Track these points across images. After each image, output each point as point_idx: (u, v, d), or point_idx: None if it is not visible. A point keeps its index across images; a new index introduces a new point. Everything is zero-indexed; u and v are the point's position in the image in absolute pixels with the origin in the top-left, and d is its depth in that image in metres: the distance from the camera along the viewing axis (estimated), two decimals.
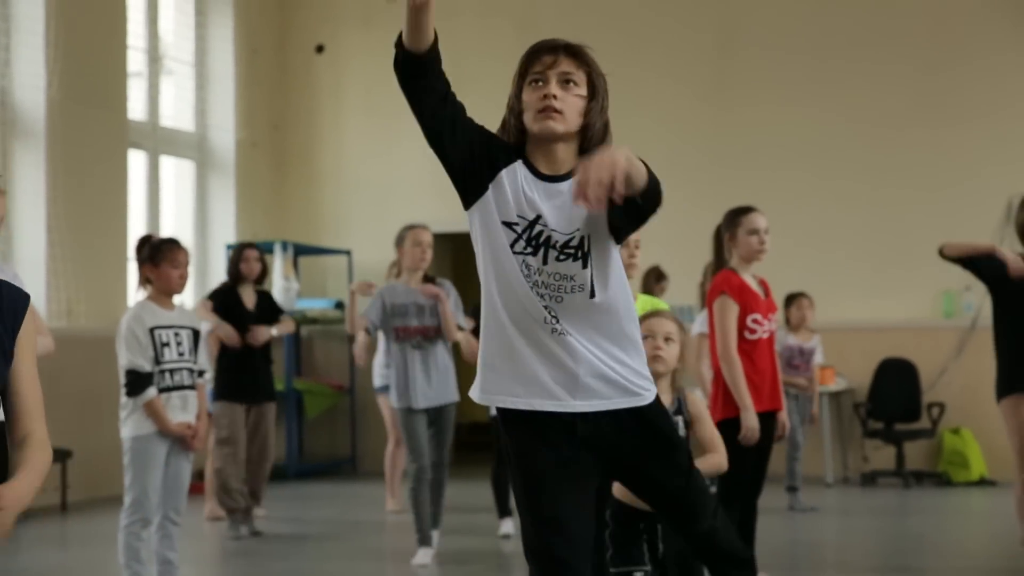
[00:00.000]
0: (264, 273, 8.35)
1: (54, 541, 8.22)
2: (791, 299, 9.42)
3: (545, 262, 3.05)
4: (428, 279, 6.90)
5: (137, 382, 5.47)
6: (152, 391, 5.47)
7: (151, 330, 5.52)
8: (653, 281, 10.29)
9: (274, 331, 8.20)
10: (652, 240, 11.03)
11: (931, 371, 10.96)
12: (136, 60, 11.17)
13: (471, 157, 3.10)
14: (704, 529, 3.30)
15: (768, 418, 5.57)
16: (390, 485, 9.01)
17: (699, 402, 4.20)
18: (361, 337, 7.13)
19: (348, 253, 12.22)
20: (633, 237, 4.86)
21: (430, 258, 6.90)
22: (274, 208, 12.61)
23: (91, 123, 10.17)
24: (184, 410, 5.60)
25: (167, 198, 11.68)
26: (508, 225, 3.07)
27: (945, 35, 11.26)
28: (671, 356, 4.09)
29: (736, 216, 5.70)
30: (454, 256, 13.31)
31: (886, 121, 11.28)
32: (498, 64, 12.37)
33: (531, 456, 3.08)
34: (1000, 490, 10.16)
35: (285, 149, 12.80)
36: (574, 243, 3.04)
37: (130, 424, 5.50)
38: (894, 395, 10.88)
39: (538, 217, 3.04)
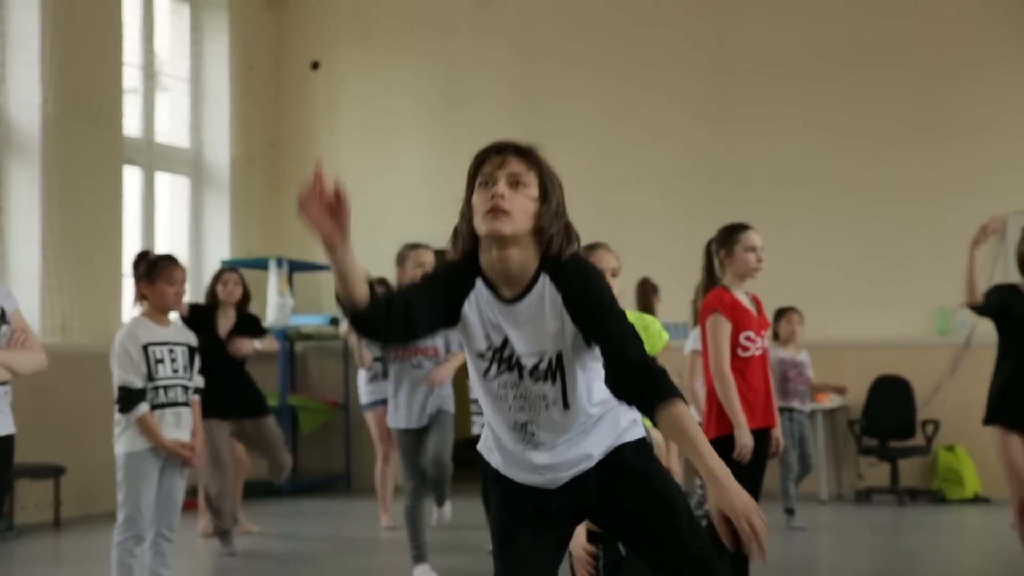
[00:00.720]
0: (246, 297, 8.22)
1: (47, 558, 8.20)
2: (781, 313, 9.46)
3: (521, 378, 3.05)
4: None
5: (129, 398, 5.47)
6: (144, 407, 5.46)
7: (145, 347, 5.52)
8: (648, 293, 10.25)
9: (257, 344, 8.12)
10: (646, 256, 11.06)
11: (925, 388, 10.96)
12: (132, 76, 11.19)
13: (445, 312, 3.07)
14: None
15: (762, 435, 5.57)
16: (382, 501, 9.00)
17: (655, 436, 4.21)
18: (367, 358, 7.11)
19: None
20: (611, 265, 4.87)
21: None
22: (269, 224, 12.61)
23: (86, 139, 10.17)
24: (178, 427, 5.59)
25: (162, 214, 11.69)
26: (480, 356, 3.07)
27: (941, 52, 11.29)
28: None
29: (732, 233, 5.69)
30: None
31: (881, 138, 11.31)
32: (494, 81, 12.47)
33: (508, 515, 3.16)
34: (994, 507, 10.16)
35: (280, 165, 12.81)
36: (543, 365, 3.02)
37: (123, 440, 5.50)
38: (888, 412, 10.89)
39: (506, 341, 3.03)
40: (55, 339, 9.60)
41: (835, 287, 11.18)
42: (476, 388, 3.14)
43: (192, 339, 5.81)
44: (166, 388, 5.56)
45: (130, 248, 10.88)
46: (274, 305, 11.46)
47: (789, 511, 8.97)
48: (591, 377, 3.07)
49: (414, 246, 6.97)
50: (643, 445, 3.17)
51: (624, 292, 9.11)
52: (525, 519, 3.12)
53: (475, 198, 3.03)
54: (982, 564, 7.51)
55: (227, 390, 7.78)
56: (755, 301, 5.74)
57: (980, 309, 6.14)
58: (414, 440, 6.73)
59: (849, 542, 8.52)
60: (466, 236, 3.06)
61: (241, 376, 8.04)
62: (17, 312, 4.48)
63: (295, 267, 12.00)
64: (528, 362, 3.01)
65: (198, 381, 5.79)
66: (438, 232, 12.78)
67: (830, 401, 10.70)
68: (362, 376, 9.11)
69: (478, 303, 3.04)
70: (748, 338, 5.55)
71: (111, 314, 10.31)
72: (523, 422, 3.07)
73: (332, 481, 12.00)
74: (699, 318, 5.81)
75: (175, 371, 5.61)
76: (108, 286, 10.36)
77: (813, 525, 9.11)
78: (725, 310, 5.53)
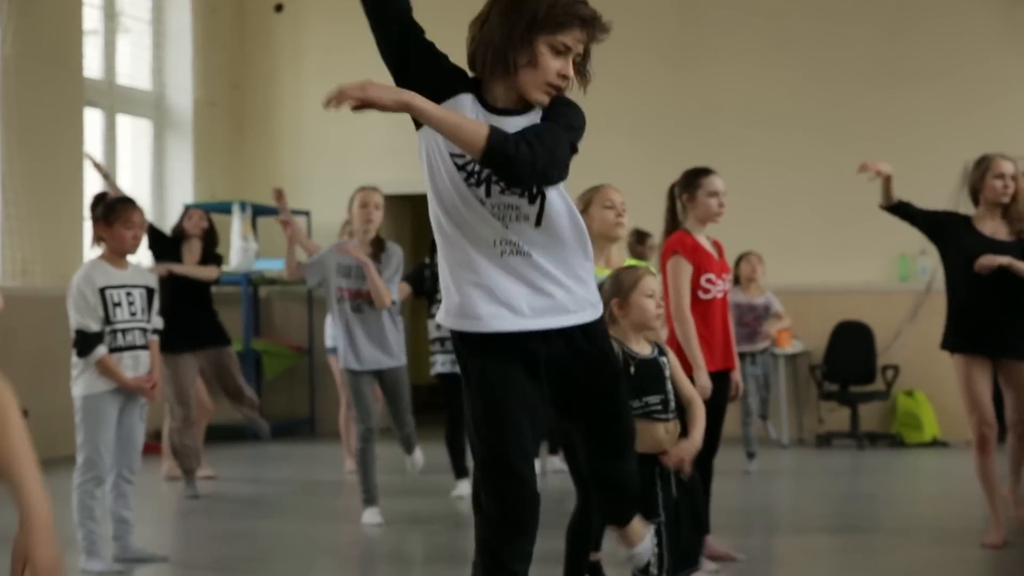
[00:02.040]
0: (212, 233, 8.23)
1: (7, 500, 8.17)
2: (741, 257, 9.50)
3: (488, 195, 3.07)
4: (379, 241, 6.88)
5: (84, 342, 5.46)
6: (102, 349, 5.46)
7: (102, 290, 5.50)
8: (636, 243, 10.25)
9: (176, 268, 8.04)
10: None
11: (886, 334, 11.06)
12: (92, 17, 11.06)
13: (428, 77, 3.11)
14: (624, 467, 3.37)
15: (721, 377, 5.61)
16: (347, 445, 9.03)
17: (672, 358, 4.26)
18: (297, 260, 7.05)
19: (307, 214, 12.18)
20: (618, 200, 4.93)
21: (378, 219, 6.85)
22: (232, 168, 12.54)
23: (46, 81, 10.06)
24: (136, 370, 5.59)
25: (124, 157, 11.60)
26: (453, 156, 3.08)
27: None
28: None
29: (695, 177, 5.71)
30: (413, 218, 13.29)
31: (846, 83, 11.34)
32: (455, 30, 12.34)
33: (492, 377, 3.12)
34: (952, 451, 10.30)
35: (244, 109, 12.72)
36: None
37: (81, 383, 5.50)
38: (849, 357, 10.98)
39: None
40: (15, 282, 9.54)
41: (798, 233, 11.24)
42: (433, 194, 3.14)
43: (151, 281, 5.79)
44: (124, 331, 5.55)
45: (91, 191, 10.80)
46: (238, 249, 11.42)
47: (750, 455, 9.05)
48: (560, 204, 3.13)
49: (361, 188, 6.95)
50: (603, 324, 3.29)
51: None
52: (517, 374, 3.12)
53: (543, 58, 3.02)
54: (939, 507, 7.62)
55: (195, 321, 7.82)
56: (716, 245, 5.77)
57: (895, 210, 6.21)
58: (365, 383, 6.76)
59: (809, 485, 8.62)
60: (490, 66, 3.06)
61: (208, 306, 8.10)
62: None
63: (259, 211, 11.95)
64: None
65: (157, 323, 5.78)
66: (401, 177, 12.80)
67: (791, 346, 10.77)
68: (329, 319, 9.12)
69: (465, 108, 3.06)
70: (709, 280, 5.58)
71: (72, 257, 10.24)
72: (499, 238, 3.09)
73: (296, 425, 12.01)
74: (660, 261, 5.83)
75: (133, 314, 5.58)
76: (69, 229, 10.29)
77: (774, 469, 9.21)
78: (686, 252, 5.55)
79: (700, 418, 4.23)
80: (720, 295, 5.65)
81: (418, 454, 7.19)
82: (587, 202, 4.98)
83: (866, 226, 11.18)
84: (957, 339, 6.10)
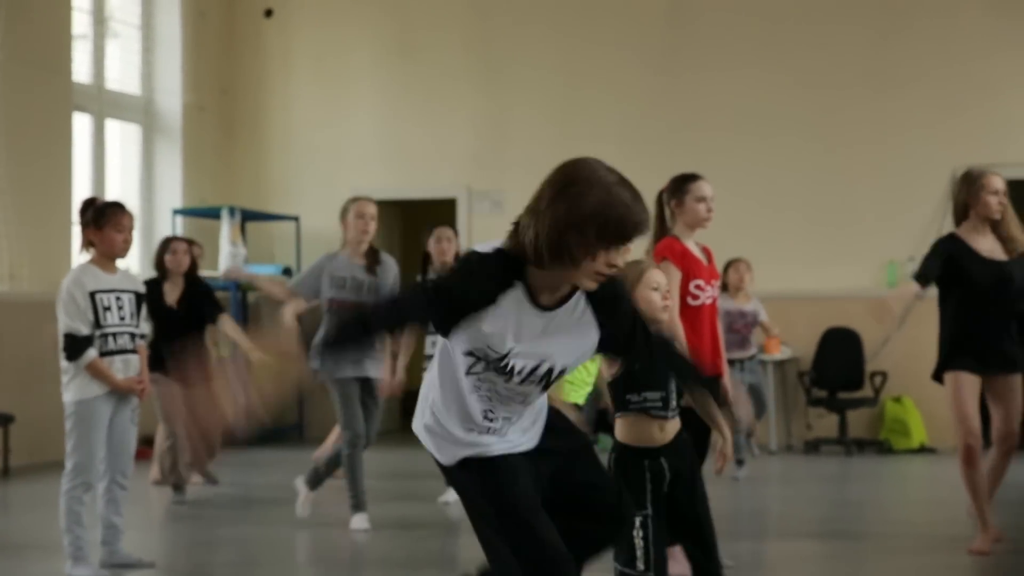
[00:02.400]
0: (194, 266, 8.16)
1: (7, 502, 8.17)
2: (729, 264, 9.47)
3: (508, 382, 3.17)
4: (374, 253, 6.90)
5: (74, 346, 5.45)
6: (92, 352, 5.44)
7: (92, 294, 5.48)
8: None
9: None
10: None
11: (874, 340, 11.07)
12: (81, 22, 11.05)
13: (470, 308, 3.11)
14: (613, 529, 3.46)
15: (710, 384, 5.60)
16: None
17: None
18: (294, 305, 7.02)
19: (296, 219, 12.17)
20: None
21: (373, 230, 6.88)
22: (221, 173, 12.53)
23: (35, 85, 10.05)
24: (126, 372, 5.58)
25: (112, 162, 11.58)
26: (471, 354, 3.14)
27: (897, 1, 11.34)
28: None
29: (683, 183, 5.71)
30: (404, 224, 13.28)
31: (834, 87, 11.36)
32: (447, 33, 12.41)
33: (498, 485, 3.22)
34: (940, 457, 10.31)
35: (233, 114, 12.71)
36: (540, 370, 3.15)
37: (73, 388, 5.48)
38: (837, 364, 11.00)
39: (510, 350, 3.10)
40: (3, 287, 9.53)
41: (786, 238, 11.25)
42: (440, 377, 3.23)
43: (139, 287, 5.79)
44: (114, 335, 5.54)
45: (80, 196, 10.79)
46: (226, 255, 11.40)
47: (739, 461, 9.05)
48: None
49: (355, 199, 6.95)
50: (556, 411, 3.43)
51: None
52: (522, 470, 3.25)
53: (599, 255, 3.00)
54: (927, 512, 7.63)
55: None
56: (705, 252, 5.77)
57: (924, 282, 6.15)
58: (354, 389, 6.76)
59: (797, 491, 8.63)
60: (535, 251, 3.01)
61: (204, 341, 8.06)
62: None
63: (248, 216, 11.94)
64: (523, 366, 3.12)
65: (144, 328, 5.80)
66: (391, 183, 12.77)
67: (780, 353, 10.79)
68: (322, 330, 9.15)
69: (516, 304, 3.09)
70: (698, 287, 5.57)
71: (61, 262, 10.22)
72: (485, 409, 3.20)
73: (285, 431, 11.99)
74: None
75: (122, 318, 5.58)
76: (57, 234, 10.27)
77: (763, 475, 9.21)
78: (675, 258, 5.55)
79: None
80: (709, 301, 5.64)
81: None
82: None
83: (855, 232, 11.21)
84: (952, 357, 6.10)
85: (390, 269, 6.91)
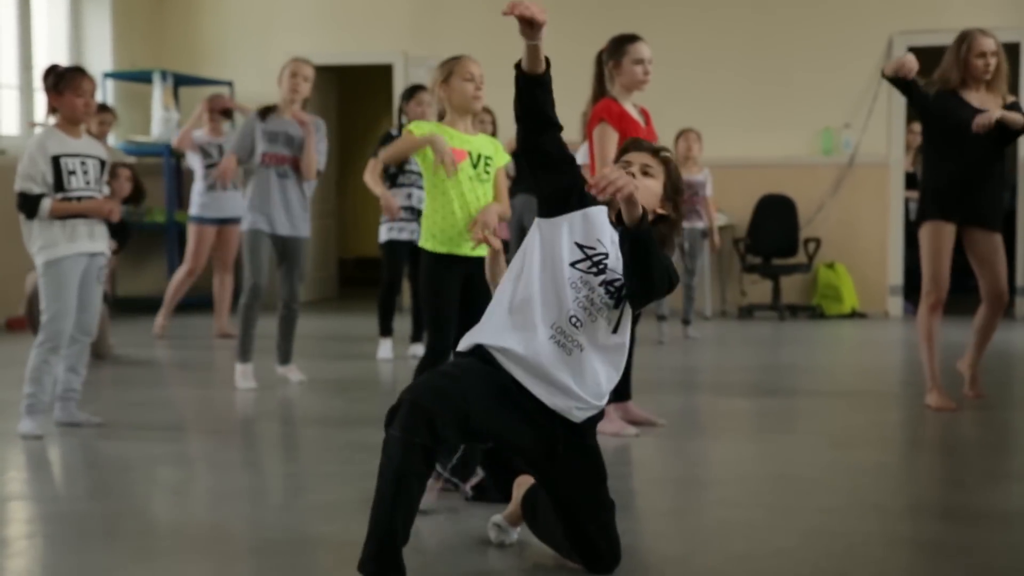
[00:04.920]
0: (138, 194, 8.25)
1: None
2: (679, 134, 9.47)
3: (599, 285, 3.34)
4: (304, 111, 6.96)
5: (28, 204, 5.52)
6: (47, 202, 5.50)
7: (56, 158, 5.54)
8: None
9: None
10: None
11: (809, 207, 11.17)
12: None
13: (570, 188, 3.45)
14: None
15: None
16: (168, 307, 9.47)
17: None
18: (232, 162, 7.03)
19: (230, 84, 11.99)
20: (477, 73, 5.00)
21: (305, 91, 6.92)
22: (153, 35, 12.27)
23: None
24: (91, 237, 5.66)
25: (40, 24, 11.28)
26: (580, 247, 3.37)
27: None
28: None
29: (621, 44, 5.68)
30: (340, 90, 13.12)
31: None
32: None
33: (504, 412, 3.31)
34: (871, 322, 10.50)
35: None
36: (617, 284, 3.33)
37: (42, 251, 5.56)
38: (773, 231, 11.10)
39: (606, 254, 3.36)
40: None
41: (722, 105, 11.25)
42: (535, 270, 3.36)
43: (103, 153, 5.82)
44: (79, 199, 5.58)
45: (6, 59, 10.56)
46: (159, 119, 11.24)
47: (685, 322, 9.28)
48: (629, 330, 3.43)
49: (294, 59, 6.96)
50: (597, 420, 3.47)
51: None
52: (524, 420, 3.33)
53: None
54: (856, 375, 7.78)
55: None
56: (643, 113, 5.76)
57: (907, 87, 6.12)
58: (266, 244, 6.82)
59: (731, 354, 8.75)
60: None
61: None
62: None
63: (180, 80, 11.75)
64: (611, 276, 3.33)
65: (107, 191, 5.83)
66: (326, 48, 12.56)
67: (717, 219, 10.83)
68: (198, 186, 9.43)
69: (601, 215, 3.42)
70: None
71: None
72: (576, 317, 3.31)
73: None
74: (586, 130, 5.82)
75: (87, 183, 5.63)
76: None
77: (697, 339, 9.33)
78: (612, 120, 5.54)
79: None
80: None
81: (294, 368, 7.21)
82: (447, 73, 5.01)
83: (790, 98, 11.23)
84: (934, 207, 6.16)
85: (319, 128, 6.96)
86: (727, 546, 3.75)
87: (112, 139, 11.37)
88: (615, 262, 3.32)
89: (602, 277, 3.33)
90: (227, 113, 9.64)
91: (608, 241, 3.37)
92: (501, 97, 10.55)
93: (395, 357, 8.07)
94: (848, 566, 3.53)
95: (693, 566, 3.55)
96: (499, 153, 5.13)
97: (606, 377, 3.38)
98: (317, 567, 3.56)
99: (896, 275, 11.13)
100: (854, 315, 10.86)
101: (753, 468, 4.97)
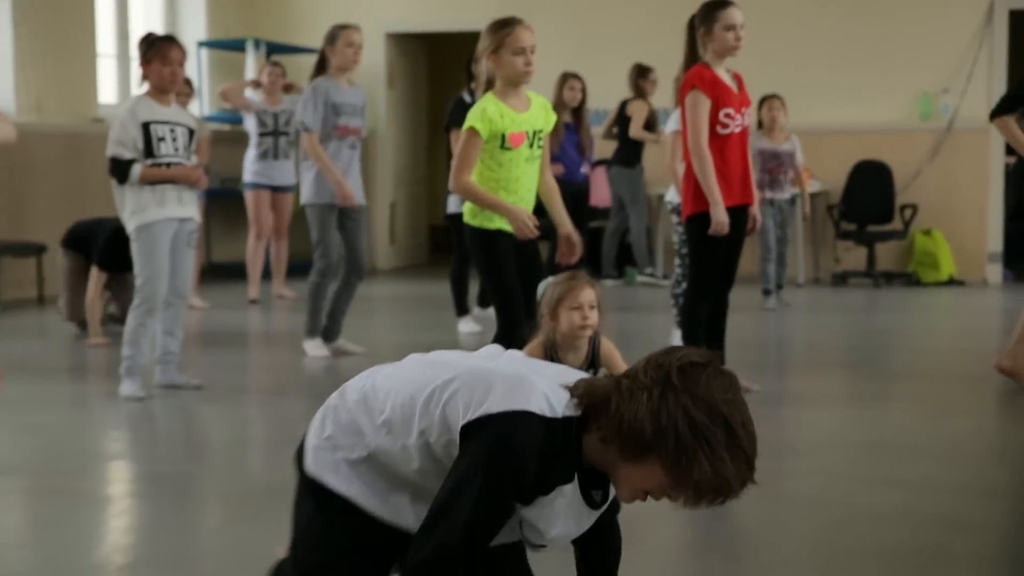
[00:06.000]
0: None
1: (32, 332, 8.30)
2: (762, 101, 9.24)
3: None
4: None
5: (119, 168, 5.60)
6: (137, 167, 5.57)
7: (146, 124, 5.61)
8: (638, 77, 10.18)
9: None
10: (632, 41, 10.95)
11: (905, 173, 11.00)
12: None
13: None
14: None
15: (739, 212, 5.60)
16: (253, 275, 9.54)
17: (608, 344, 4.12)
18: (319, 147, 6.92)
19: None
20: (528, 43, 4.72)
21: (361, 60, 6.90)
22: (246, 4, 12.35)
23: None
24: (180, 203, 5.72)
25: None
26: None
27: None
28: (595, 322, 4.00)
29: (712, 10, 5.61)
30: (430, 58, 13.14)
31: None
32: None
33: None
34: (967, 290, 10.33)
35: None
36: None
37: (134, 216, 5.64)
38: (868, 197, 10.94)
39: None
40: (31, 118, 9.51)
41: (817, 72, 11.09)
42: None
43: (192, 122, 5.90)
44: (168, 166, 5.65)
45: (104, 27, 10.71)
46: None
47: (766, 292, 9.07)
48: None
49: (344, 27, 6.79)
50: None
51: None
52: None
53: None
54: (953, 342, 7.67)
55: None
56: (736, 79, 5.70)
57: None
58: (335, 217, 6.79)
59: (824, 321, 8.67)
60: (628, 451, 2.16)
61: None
62: None
63: (273, 49, 11.83)
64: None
65: (195, 161, 5.89)
66: (416, 16, 12.48)
67: (810, 186, 10.72)
68: (251, 154, 9.48)
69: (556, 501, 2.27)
70: (728, 115, 5.52)
71: (86, 94, 10.20)
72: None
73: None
74: (679, 97, 5.77)
75: (176, 150, 5.69)
76: (82, 66, 10.20)
77: (790, 306, 9.24)
78: (705, 87, 5.49)
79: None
80: (739, 130, 5.59)
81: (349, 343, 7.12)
82: (497, 45, 4.76)
83: (887, 63, 11.04)
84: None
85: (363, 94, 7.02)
86: (825, 513, 3.73)
87: (205, 108, 11.52)
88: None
89: None
90: (288, 88, 9.76)
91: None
92: (590, 66, 10.51)
93: (482, 331, 7.91)
94: (949, 533, 3.49)
95: (790, 532, 3.53)
96: (548, 118, 4.95)
97: None
98: None
99: (996, 242, 10.92)
100: (951, 282, 10.68)
101: (850, 435, 4.93)
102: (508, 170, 4.76)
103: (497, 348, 2.51)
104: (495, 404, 2.18)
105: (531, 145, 4.81)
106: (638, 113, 10.11)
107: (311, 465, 2.37)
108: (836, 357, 6.98)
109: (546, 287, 4.06)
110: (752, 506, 3.85)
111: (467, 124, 4.74)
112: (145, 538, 3.61)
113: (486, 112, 4.72)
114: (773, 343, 7.70)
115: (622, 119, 10.22)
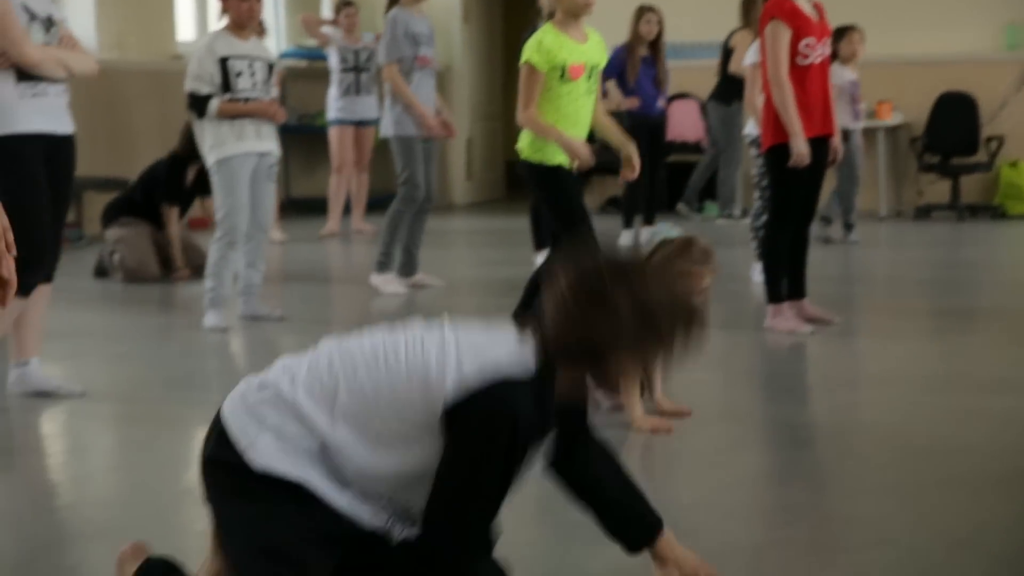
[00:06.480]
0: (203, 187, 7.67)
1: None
2: (841, 32, 8.93)
3: None
4: None
5: (197, 104, 5.65)
6: (215, 102, 5.61)
7: (224, 60, 5.64)
8: (749, 4, 9.62)
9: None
10: None
11: (991, 105, 10.77)
12: None
13: None
14: None
15: (820, 143, 5.53)
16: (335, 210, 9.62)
17: None
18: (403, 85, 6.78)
19: None
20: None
21: None
22: None
23: None
24: (258, 136, 5.74)
25: None
26: None
27: None
28: None
29: None
30: None
31: None
32: None
33: None
34: None
35: None
36: None
37: (213, 151, 5.69)
38: (952, 129, 10.73)
39: None
40: (112, 55, 9.59)
41: (898, 1, 10.87)
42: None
43: (271, 56, 5.94)
44: (247, 100, 5.69)
45: None
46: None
47: (848, 226, 8.95)
48: None
49: None
50: None
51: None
52: None
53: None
54: None
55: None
56: (816, 7, 5.61)
57: None
58: (419, 147, 6.71)
59: (907, 255, 8.56)
60: (587, 367, 2.28)
61: None
62: (64, 23, 4.48)
63: None
64: None
65: (274, 93, 5.89)
66: None
67: (891, 118, 10.55)
68: (333, 91, 9.52)
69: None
70: (808, 45, 5.45)
71: (164, 31, 10.28)
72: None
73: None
74: (759, 26, 5.70)
75: (254, 84, 5.72)
76: (161, 2, 10.31)
77: (871, 240, 9.11)
78: (784, 17, 5.42)
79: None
80: (819, 60, 5.52)
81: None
82: None
83: None
84: None
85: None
86: (910, 441, 3.70)
87: (282, 44, 11.55)
88: None
89: None
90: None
91: None
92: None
93: None
94: None
95: (873, 462, 3.52)
96: (603, 55, 4.93)
97: None
98: None
99: None
100: None
101: (933, 367, 4.88)
102: (568, 103, 4.76)
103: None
104: (472, 380, 2.17)
105: (589, 77, 4.79)
106: (742, 45, 9.60)
107: (258, 457, 2.31)
108: (918, 290, 6.89)
109: (670, 239, 3.97)
110: (836, 437, 3.84)
111: (524, 58, 4.77)
112: None
113: (543, 44, 4.73)
114: (854, 276, 7.62)
115: (726, 51, 9.88)
